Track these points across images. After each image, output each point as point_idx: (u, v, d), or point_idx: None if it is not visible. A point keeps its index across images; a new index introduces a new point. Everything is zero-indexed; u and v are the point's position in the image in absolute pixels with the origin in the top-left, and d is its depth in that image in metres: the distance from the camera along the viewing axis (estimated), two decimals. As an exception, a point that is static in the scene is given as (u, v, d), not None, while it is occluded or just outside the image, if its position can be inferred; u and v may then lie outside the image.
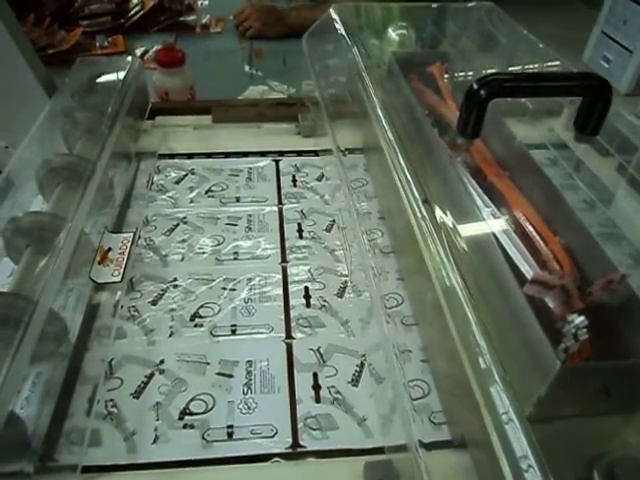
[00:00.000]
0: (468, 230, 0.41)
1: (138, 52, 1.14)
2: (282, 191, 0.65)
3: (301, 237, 0.58)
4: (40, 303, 0.39)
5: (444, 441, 0.39)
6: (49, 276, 0.42)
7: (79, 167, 0.54)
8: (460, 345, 0.36)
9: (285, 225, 0.60)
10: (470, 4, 0.79)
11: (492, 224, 0.41)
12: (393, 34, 0.73)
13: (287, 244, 0.57)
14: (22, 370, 0.36)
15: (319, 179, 0.67)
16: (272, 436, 0.41)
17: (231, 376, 0.45)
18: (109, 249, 0.53)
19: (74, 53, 1.07)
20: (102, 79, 0.69)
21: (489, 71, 0.66)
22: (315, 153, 0.71)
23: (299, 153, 0.71)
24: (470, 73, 0.62)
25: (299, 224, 0.60)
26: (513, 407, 0.31)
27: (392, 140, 0.51)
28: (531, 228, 0.43)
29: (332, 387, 0.44)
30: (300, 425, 0.41)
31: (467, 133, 0.46)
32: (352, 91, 0.67)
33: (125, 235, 0.55)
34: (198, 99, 0.87)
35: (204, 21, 1.24)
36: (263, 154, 0.70)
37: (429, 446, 0.37)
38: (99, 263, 0.51)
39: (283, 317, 0.49)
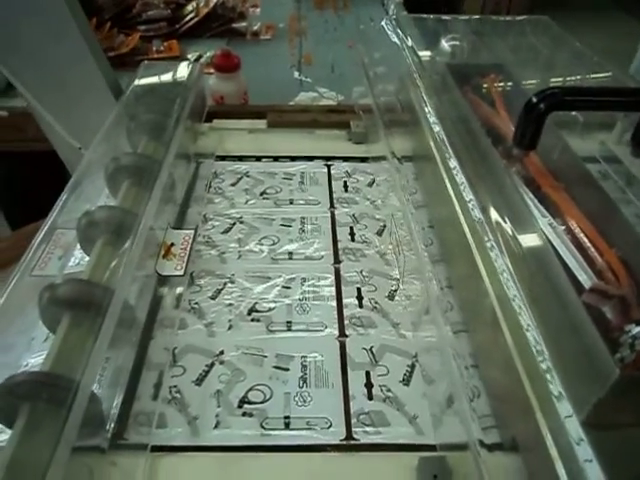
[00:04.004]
0: (524, 238, 0.42)
1: (191, 57, 1.18)
2: (334, 195, 0.67)
3: (353, 240, 0.60)
4: (117, 292, 0.42)
5: (495, 444, 0.40)
6: (124, 267, 0.45)
7: (146, 165, 0.57)
8: (515, 350, 0.37)
9: (337, 228, 0.62)
10: (523, 17, 0.80)
11: (548, 233, 0.42)
12: (446, 45, 0.75)
13: (340, 246, 0.59)
14: (102, 354, 0.38)
15: (370, 185, 0.69)
16: (327, 428, 0.42)
17: (287, 369, 0.47)
18: (172, 244, 0.56)
19: (132, 56, 1.12)
20: (165, 82, 0.73)
21: (538, 81, 0.67)
22: (366, 160, 0.73)
23: (350, 159, 0.73)
24: (524, 85, 0.63)
25: (351, 227, 0.62)
26: (569, 412, 0.32)
27: (448, 149, 0.53)
28: (586, 239, 0.44)
29: (384, 386, 0.46)
30: (353, 420, 0.43)
31: (524, 144, 0.47)
32: (405, 100, 0.69)
33: (186, 232, 0.57)
34: (250, 104, 0.90)
35: (255, 28, 1.28)
36: (315, 159, 0.73)
37: (491, 447, 0.38)
38: (163, 257, 0.54)
39: (336, 316, 0.51)
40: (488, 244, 0.42)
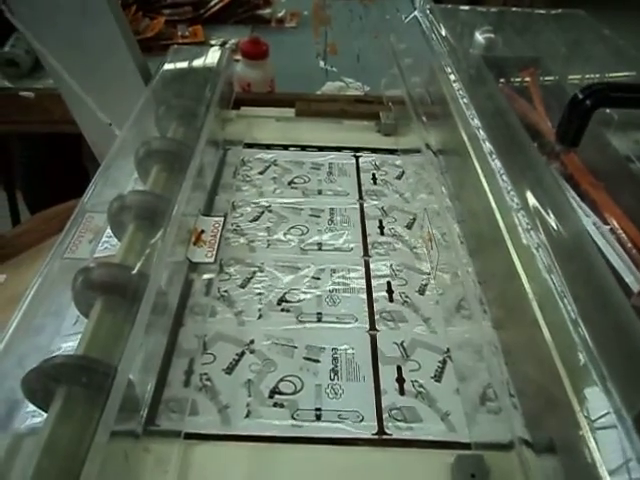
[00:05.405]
0: (568, 237, 0.41)
1: (214, 43, 1.17)
2: (362, 188, 0.66)
3: (382, 233, 0.59)
4: (152, 277, 0.42)
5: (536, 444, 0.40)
6: (158, 252, 0.44)
7: (177, 150, 0.56)
8: (556, 349, 0.36)
9: (366, 221, 0.61)
10: (558, 11, 0.79)
11: (592, 233, 0.41)
12: (480, 37, 0.73)
13: (369, 239, 0.58)
14: (139, 340, 0.38)
15: (399, 177, 0.68)
16: (359, 422, 0.42)
17: (318, 361, 0.46)
18: (202, 231, 0.55)
19: (156, 41, 1.11)
20: (195, 68, 0.72)
21: (576, 76, 0.65)
22: (395, 152, 0.72)
23: (379, 151, 0.72)
24: (562, 80, 0.62)
25: (380, 220, 0.61)
26: (615, 412, 0.32)
27: (486, 143, 0.52)
28: (627, 239, 0.43)
29: (415, 381, 0.45)
30: (385, 415, 0.43)
31: (568, 141, 0.46)
32: (438, 92, 0.68)
33: (216, 219, 0.57)
34: (278, 92, 0.89)
35: (279, 15, 1.27)
36: (344, 149, 0.72)
37: (535, 447, 0.38)
38: (194, 244, 0.53)
39: (367, 309, 0.51)
40: (529, 241, 0.41)
